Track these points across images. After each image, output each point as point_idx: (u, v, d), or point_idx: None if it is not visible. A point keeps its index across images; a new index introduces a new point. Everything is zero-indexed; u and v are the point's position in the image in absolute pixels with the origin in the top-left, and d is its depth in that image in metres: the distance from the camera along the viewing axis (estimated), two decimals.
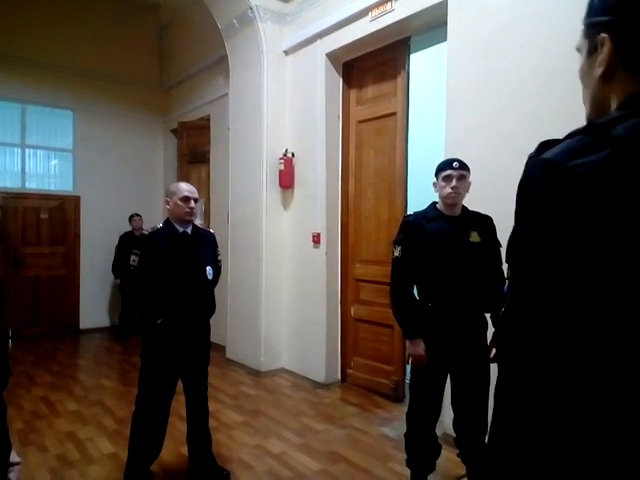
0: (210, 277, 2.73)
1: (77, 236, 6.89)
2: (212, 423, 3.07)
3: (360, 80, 4.50)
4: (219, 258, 2.89)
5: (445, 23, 3.35)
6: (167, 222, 2.70)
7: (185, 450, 2.93)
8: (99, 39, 6.88)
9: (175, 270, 2.59)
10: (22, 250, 6.52)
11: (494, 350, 2.40)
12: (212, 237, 2.86)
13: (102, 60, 6.91)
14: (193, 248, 2.69)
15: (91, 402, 4.11)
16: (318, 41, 4.50)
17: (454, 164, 2.29)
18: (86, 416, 3.79)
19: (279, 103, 4.88)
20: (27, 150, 6.62)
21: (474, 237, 2.33)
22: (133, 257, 2.62)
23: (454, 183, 2.27)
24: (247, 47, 4.96)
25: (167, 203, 2.68)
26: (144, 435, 2.62)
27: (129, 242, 6.48)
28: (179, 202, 2.62)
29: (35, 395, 4.25)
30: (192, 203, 2.64)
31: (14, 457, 1.09)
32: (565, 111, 2.73)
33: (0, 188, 6.32)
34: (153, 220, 6.77)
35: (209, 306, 2.79)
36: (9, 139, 6.47)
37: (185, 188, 2.66)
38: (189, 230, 2.70)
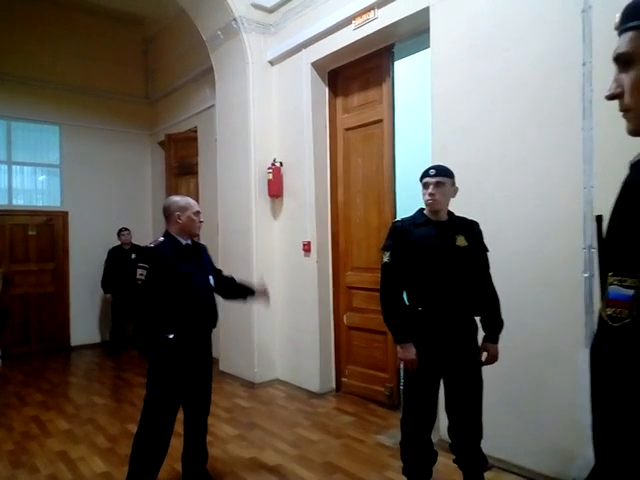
0: (213, 286, 2.79)
1: (66, 252, 6.83)
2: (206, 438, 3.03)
3: (346, 88, 4.52)
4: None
5: (428, 30, 3.38)
6: (168, 235, 2.69)
7: (179, 467, 2.89)
8: (84, 53, 6.86)
9: (185, 281, 2.59)
10: (10, 268, 6.43)
11: (485, 353, 2.41)
12: (205, 248, 2.92)
13: (88, 74, 6.88)
14: (197, 259, 2.74)
15: (83, 420, 4.04)
16: (303, 51, 4.52)
17: (430, 172, 2.35)
18: (78, 435, 3.73)
19: (266, 113, 4.88)
20: (14, 167, 6.56)
21: (461, 241, 2.34)
22: (140, 271, 2.55)
23: (430, 190, 2.32)
24: (232, 58, 4.97)
25: (178, 217, 2.68)
26: (149, 456, 2.56)
27: (118, 256, 6.43)
28: (193, 216, 2.70)
29: (26, 415, 4.18)
30: (201, 217, 2.77)
31: None
32: (548, 115, 2.76)
33: None
34: (142, 233, 6.74)
35: (215, 314, 2.80)
36: None
37: (195, 203, 2.77)
38: (190, 242, 2.76)
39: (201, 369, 2.71)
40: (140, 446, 2.58)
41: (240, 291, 3.01)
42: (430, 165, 2.48)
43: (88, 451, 3.42)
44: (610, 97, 0.89)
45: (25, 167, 6.67)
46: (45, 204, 6.79)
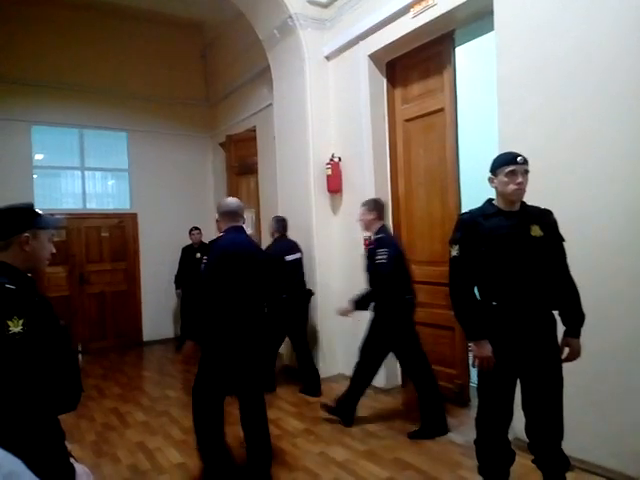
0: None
1: (136, 252, 7.17)
2: (274, 431, 3.08)
3: (404, 78, 4.43)
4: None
5: (491, 12, 3.24)
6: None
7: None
8: (148, 62, 7.17)
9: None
10: (86, 268, 6.85)
11: (566, 349, 2.28)
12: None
13: (151, 81, 7.18)
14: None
15: (158, 412, 4.23)
16: (360, 43, 4.47)
17: (518, 159, 2.17)
18: (154, 426, 3.90)
19: (323, 108, 4.87)
20: (86, 172, 6.95)
21: (535, 231, 2.21)
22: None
23: (520, 179, 2.16)
24: (289, 56, 5.00)
25: None
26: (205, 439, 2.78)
27: (188, 255, 6.66)
28: None
29: (105, 407, 4.42)
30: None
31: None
32: (624, 94, 2.57)
33: (64, 210, 6.65)
34: (205, 232, 6.92)
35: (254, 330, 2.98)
36: (69, 163, 6.85)
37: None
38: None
39: (245, 366, 2.86)
40: (196, 430, 2.81)
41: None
42: (504, 152, 2.33)
43: (164, 442, 3.57)
44: None
45: (96, 172, 7.06)
46: (116, 207, 7.17)
